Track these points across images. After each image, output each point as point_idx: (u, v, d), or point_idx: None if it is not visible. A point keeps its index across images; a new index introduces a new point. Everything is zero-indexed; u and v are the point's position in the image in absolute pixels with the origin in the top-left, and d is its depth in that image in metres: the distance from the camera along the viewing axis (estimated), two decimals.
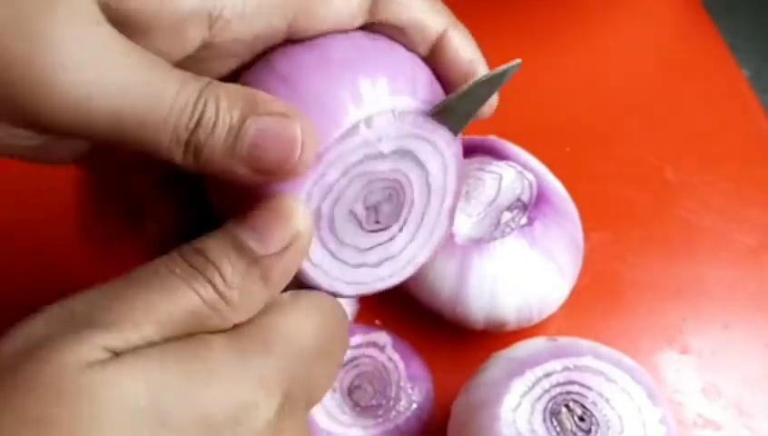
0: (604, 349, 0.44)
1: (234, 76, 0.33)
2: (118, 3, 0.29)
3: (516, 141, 0.51)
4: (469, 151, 0.49)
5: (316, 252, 0.33)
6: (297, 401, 0.30)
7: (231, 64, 0.33)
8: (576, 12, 0.64)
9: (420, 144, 0.34)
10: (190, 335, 0.29)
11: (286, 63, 0.32)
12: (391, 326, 0.50)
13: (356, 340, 0.49)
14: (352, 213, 0.33)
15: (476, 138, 0.50)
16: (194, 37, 0.30)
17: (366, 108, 0.32)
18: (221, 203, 0.34)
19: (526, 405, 0.41)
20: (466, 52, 0.34)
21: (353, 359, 0.49)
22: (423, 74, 0.34)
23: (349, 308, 0.51)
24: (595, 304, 0.52)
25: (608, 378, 0.42)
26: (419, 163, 0.34)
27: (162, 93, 0.28)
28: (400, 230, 0.36)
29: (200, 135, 0.29)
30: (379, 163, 0.33)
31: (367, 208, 0.34)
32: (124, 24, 0.29)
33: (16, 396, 0.26)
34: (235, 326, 0.30)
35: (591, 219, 0.51)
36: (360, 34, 0.33)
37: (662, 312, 0.52)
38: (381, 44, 0.33)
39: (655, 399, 0.42)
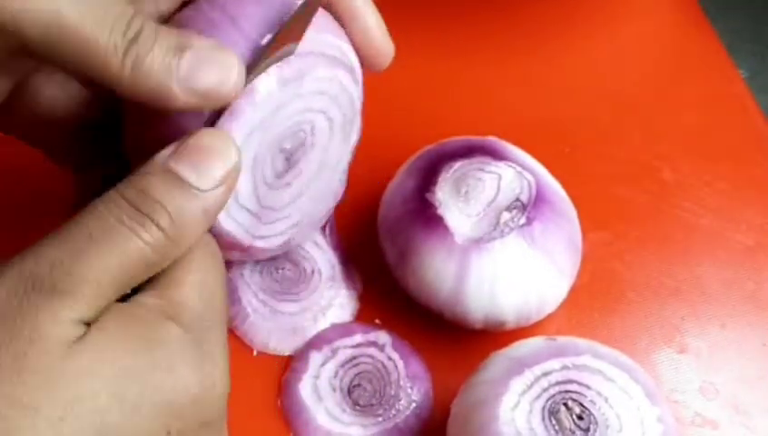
0: (602, 348, 0.44)
1: None
2: None
3: (515, 141, 0.51)
4: (469, 151, 0.49)
5: (235, 208, 0.35)
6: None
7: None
8: (573, 12, 0.64)
9: (331, 83, 0.36)
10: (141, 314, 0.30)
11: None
12: (391, 325, 0.50)
13: (356, 339, 0.49)
14: (272, 162, 0.36)
15: (476, 138, 0.51)
16: None
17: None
18: (141, 142, 0.34)
19: (524, 404, 0.42)
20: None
21: (353, 358, 0.49)
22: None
23: (349, 307, 0.51)
24: (593, 304, 0.52)
25: (607, 377, 0.42)
26: (331, 97, 0.37)
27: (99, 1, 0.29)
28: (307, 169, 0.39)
29: (139, 48, 0.29)
30: (296, 102, 0.35)
31: (282, 158, 0.37)
32: None
33: (4, 379, 0.26)
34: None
35: (589, 219, 0.51)
36: None
37: (660, 311, 0.52)
38: None
39: (653, 397, 0.42)
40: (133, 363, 0.28)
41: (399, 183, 0.50)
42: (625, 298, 0.52)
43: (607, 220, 0.54)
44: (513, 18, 0.63)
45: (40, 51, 0.29)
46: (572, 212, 0.50)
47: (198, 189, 0.30)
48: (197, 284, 0.31)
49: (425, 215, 0.47)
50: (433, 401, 0.48)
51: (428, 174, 0.49)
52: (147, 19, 0.30)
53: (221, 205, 0.31)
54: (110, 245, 0.28)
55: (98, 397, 0.27)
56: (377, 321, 0.51)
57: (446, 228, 0.47)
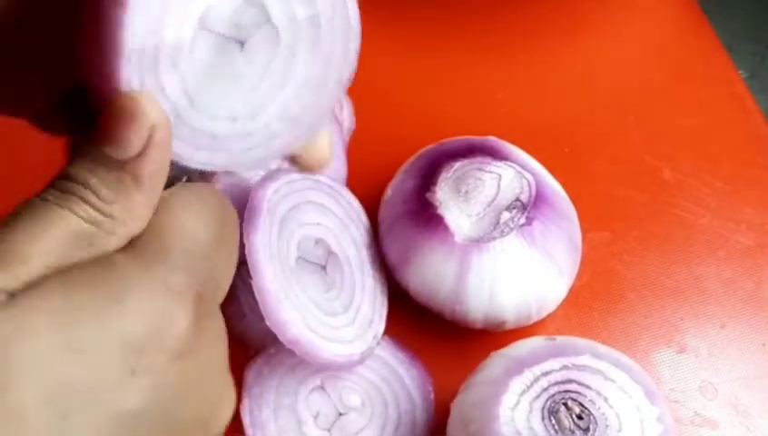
0: (602, 348, 0.44)
1: None
2: None
3: (516, 141, 0.51)
4: (469, 151, 0.49)
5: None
6: (210, 299, 0.30)
7: None
8: (573, 13, 0.64)
9: None
10: (86, 261, 0.28)
11: None
12: (391, 325, 0.50)
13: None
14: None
15: (476, 138, 0.51)
16: None
17: None
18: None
19: (524, 404, 0.42)
20: None
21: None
22: None
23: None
24: (593, 304, 0.52)
25: (606, 377, 0.42)
26: None
27: None
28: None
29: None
30: None
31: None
32: None
33: None
34: (133, 238, 0.29)
35: (589, 219, 0.51)
36: None
37: (659, 311, 0.52)
38: None
39: (653, 397, 0.42)
40: (63, 309, 0.26)
41: (399, 183, 0.50)
42: (625, 298, 0.52)
43: (607, 220, 0.55)
44: (513, 18, 0.63)
45: None
46: (572, 212, 0.50)
47: (120, 160, 0.29)
48: (167, 225, 0.30)
49: (425, 215, 0.47)
50: (433, 401, 0.48)
51: (428, 174, 0.49)
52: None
53: (155, 169, 0.29)
54: (33, 220, 0.28)
55: (24, 353, 0.25)
56: None
57: (446, 228, 0.47)
